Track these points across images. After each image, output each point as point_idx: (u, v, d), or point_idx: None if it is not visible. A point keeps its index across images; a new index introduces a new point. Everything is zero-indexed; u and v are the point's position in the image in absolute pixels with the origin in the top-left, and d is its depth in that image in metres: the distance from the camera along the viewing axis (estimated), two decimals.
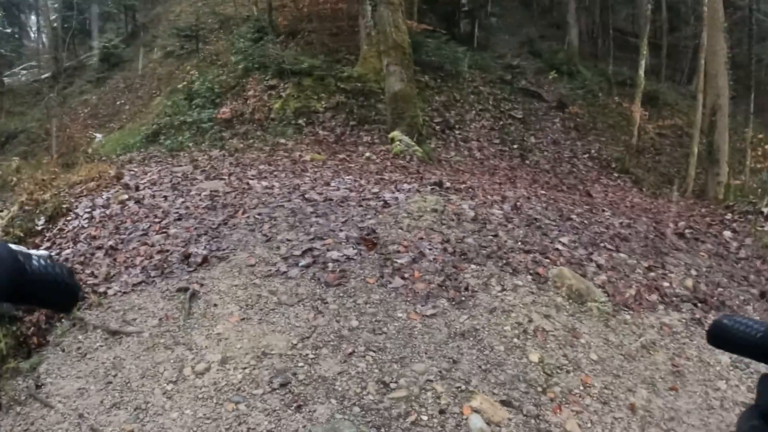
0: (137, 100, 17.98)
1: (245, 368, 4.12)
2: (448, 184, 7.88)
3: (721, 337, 0.44)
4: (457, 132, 12.82)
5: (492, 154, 12.55)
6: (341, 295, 4.93)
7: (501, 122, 14.07)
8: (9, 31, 30.19)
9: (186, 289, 5.02)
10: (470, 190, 7.98)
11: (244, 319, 4.63)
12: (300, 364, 4.13)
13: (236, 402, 3.82)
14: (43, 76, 23.36)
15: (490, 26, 19.39)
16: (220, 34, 18.18)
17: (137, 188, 7.68)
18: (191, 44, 18.00)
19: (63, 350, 4.79)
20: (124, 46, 22.77)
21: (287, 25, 15.52)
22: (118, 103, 18.86)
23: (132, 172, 8.70)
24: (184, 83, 14.68)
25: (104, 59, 21.79)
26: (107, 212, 6.98)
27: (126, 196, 7.34)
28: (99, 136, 15.26)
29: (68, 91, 21.43)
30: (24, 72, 25.36)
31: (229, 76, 13.82)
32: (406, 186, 7.57)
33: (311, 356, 4.21)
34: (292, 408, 3.75)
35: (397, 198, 6.92)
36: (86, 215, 7.02)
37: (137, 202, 7.12)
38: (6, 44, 27.60)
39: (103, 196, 7.50)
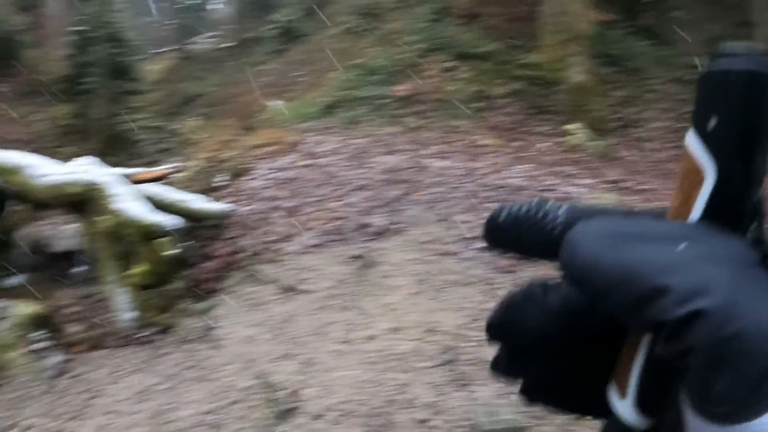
0: (313, 73, 18.65)
1: (412, 340, 4.18)
2: (627, 184, 7.53)
3: (499, 235, 0.27)
4: (634, 130, 12.20)
5: (670, 157, 11.81)
6: (513, 282, 4.86)
7: (680, 124, 13.19)
8: (194, 2, 32.50)
9: (360, 257, 5.17)
10: (648, 192, 7.57)
11: (415, 293, 4.69)
12: (466, 345, 4.12)
13: (400, 371, 3.87)
14: (223, 45, 24.80)
15: (673, 21, 18.13)
16: (399, 14, 18.37)
17: (315, 156, 7.96)
18: (369, 22, 18.36)
19: (236, 299, 5.10)
20: (302, 21, 23.66)
21: (466, 8, 15.43)
22: (294, 74, 19.66)
23: (310, 141, 9.02)
24: (361, 59, 15.02)
25: (283, 33, 22.76)
26: (286, 175, 7.31)
27: (305, 163, 7.64)
28: (278, 103, 15.97)
29: (247, 61, 22.64)
30: (206, 41, 27.04)
31: (405, 55, 13.97)
32: (582, 181, 7.31)
33: (478, 338, 4.18)
34: (455, 385, 3.75)
35: (573, 193, 6.70)
36: (266, 177, 7.40)
37: (316, 169, 7.39)
38: (191, 14, 29.74)
39: (283, 160, 7.85)
